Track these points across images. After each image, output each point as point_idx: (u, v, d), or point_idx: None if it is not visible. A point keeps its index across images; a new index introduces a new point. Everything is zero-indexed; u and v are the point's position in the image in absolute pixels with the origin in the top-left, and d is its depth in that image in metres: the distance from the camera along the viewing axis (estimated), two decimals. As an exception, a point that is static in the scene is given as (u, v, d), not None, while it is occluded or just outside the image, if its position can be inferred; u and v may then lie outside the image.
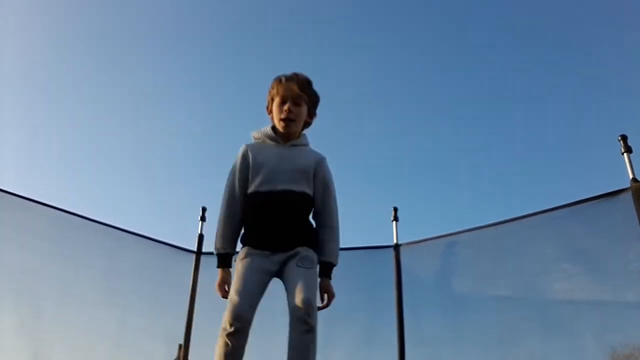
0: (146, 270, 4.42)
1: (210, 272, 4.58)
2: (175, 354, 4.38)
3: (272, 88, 2.01)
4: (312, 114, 2.03)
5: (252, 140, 2.04)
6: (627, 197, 3.46)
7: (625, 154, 3.59)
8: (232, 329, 1.73)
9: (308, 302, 1.73)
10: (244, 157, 1.96)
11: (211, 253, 4.68)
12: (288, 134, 1.98)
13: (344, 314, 4.39)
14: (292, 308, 1.76)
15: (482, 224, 4.18)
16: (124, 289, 4.30)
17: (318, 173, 1.97)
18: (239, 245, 2.01)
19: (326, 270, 1.99)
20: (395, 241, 4.52)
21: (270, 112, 2.03)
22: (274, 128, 2.00)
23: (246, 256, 1.90)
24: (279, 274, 1.90)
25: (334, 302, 2.05)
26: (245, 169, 1.95)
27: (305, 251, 1.90)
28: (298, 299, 1.73)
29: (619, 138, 3.63)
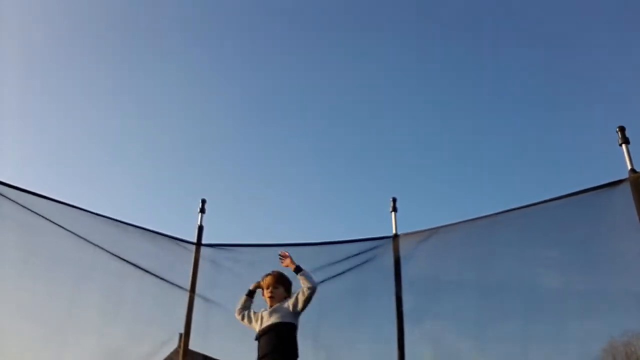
0: (146, 261, 4.43)
1: (210, 263, 4.62)
2: (176, 343, 4.41)
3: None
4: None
5: None
6: (626, 187, 3.48)
7: (623, 145, 3.59)
8: None
9: None
10: None
11: (211, 245, 4.70)
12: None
13: (343, 303, 4.43)
14: None
15: (480, 215, 4.18)
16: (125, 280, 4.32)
17: None
18: None
19: None
20: (394, 232, 4.53)
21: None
22: None
23: None
24: None
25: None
26: None
27: None
28: None
29: (617, 129, 3.63)
